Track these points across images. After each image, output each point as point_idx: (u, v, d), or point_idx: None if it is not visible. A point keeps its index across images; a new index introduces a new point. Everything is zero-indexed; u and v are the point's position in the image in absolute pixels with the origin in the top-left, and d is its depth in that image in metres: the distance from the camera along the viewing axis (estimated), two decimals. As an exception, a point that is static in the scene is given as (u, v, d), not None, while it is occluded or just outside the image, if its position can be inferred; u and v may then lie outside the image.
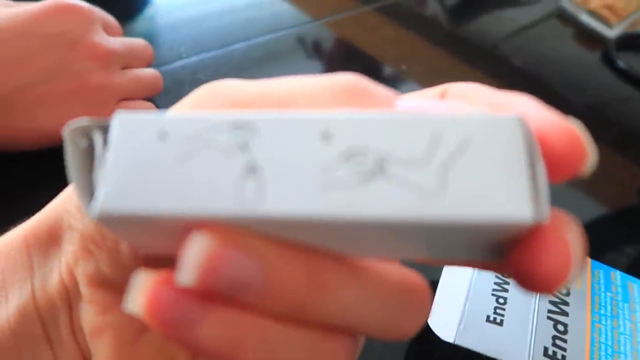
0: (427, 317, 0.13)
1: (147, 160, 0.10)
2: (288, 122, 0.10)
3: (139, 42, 0.33)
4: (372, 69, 0.46)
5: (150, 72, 0.32)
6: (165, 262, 0.13)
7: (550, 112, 0.12)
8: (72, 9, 0.28)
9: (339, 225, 0.10)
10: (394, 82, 0.46)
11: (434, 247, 0.11)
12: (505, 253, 0.11)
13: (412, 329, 0.13)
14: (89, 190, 0.11)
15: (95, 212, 0.10)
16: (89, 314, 0.14)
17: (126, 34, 0.34)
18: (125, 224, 0.10)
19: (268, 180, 0.10)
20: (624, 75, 0.50)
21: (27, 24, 0.26)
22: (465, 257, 0.12)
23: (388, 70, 0.47)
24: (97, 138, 0.11)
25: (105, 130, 0.11)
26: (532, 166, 0.10)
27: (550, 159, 0.10)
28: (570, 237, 0.10)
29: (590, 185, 0.40)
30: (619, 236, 0.37)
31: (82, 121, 0.11)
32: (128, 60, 0.31)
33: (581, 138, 0.11)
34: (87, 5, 0.29)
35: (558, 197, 0.40)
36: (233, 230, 0.10)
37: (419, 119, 0.10)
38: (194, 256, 0.10)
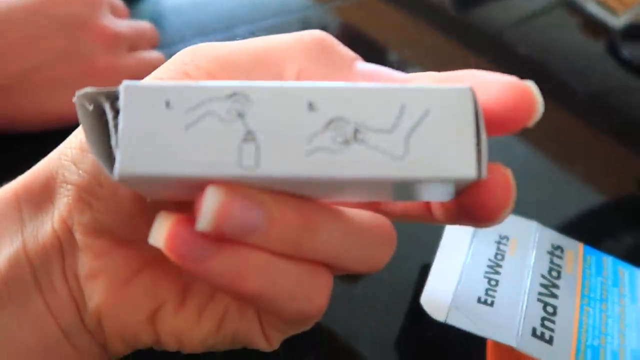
0: (392, 253, 0.16)
1: (157, 127, 0.12)
2: (279, 93, 0.12)
3: (144, 24, 0.33)
4: (376, 54, 0.46)
5: (155, 54, 0.33)
6: (167, 205, 0.14)
7: (501, 75, 0.14)
8: None
9: (322, 182, 0.12)
10: (398, 68, 0.46)
11: (399, 194, 0.14)
12: (457, 194, 0.14)
13: (381, 262, 0.15)
14: (104, 153, 0.12)
15: (115, 174, 0.11)
16: (84, 260, 0.15)
17: (132, 16, 0.34)
18: (142, 181, 0.12)
19: (264, 146, 0.12)
20: (628, 65, 0.50)
21: (38, 5, 0.27)
22: (424, 199, 0.15)
23: (393, 56, 0.47)
24: (106, 105, 0.12)
25: (111, 98, 0.12)
26: (478, 133, 0.12)
27: (499, 115, 0.13)
28: (511, 177, 0.13)
29: (590, 173, 0.40)
30: (616, 225, 0.37)
31: (89, 89, 0.12)
32: (134, 43, 0.32)
33: (528, 96, 0.13)
34: (94, -13, 0.29)
35: (558, 184, 0.40)
36: (239, 185, 0.12)
37: (389, 91, 0.12)
38: (209, 207, 0.12)
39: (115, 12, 0.32)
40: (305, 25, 0.47)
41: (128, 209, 0.15)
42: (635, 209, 0.39)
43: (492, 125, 0.13)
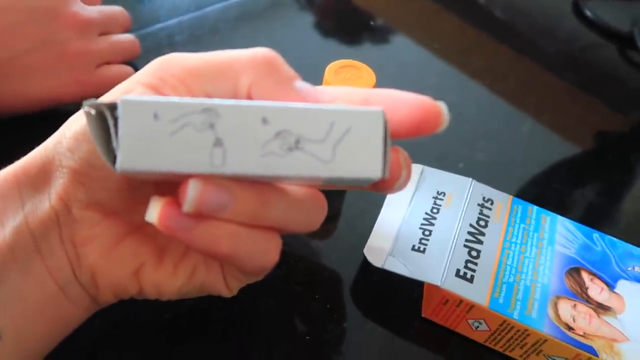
0: (324, 216, 0.20)
1: (148, 133, 0.15)
2: (241, 109, 0.16)
3: (115, 9, 0.35)
4: (360, 17, 0.48)
5: (127, 37, 0.35)
6: (149, 184, 0.19)
7: (414, 95, 0.18)
8: None
9: (272, 177, 0.16)
10: (381, 33, 0.49)
11: (330, 183, 0.18)
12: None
13: (317, 223, 0.20)
14: (105, 148, 0.16)
15: (117, 168, 0.15)
16: (80, 229, 0.19)
17: (108, 1, 0.37)
18: (136, 173, 0.16)
19: (229, 150, 0.15)
20: (590, 23, 0.51)
21: None
22: (346, 185, 0.20)
23: (377, 22, 0.49)
24: (107, 113, 0.15)
25: (111, 108, 0.16)
26: (385, 145, 0.16)
27: (408, 126, 0.18)
28: (402, 157, 0.18)
29: (549, 123, 0.42)
30: (565, 178, 0.40)
31: (94, 100, 0.16)
32: (106, 27, 0.34)
33: (434, 114, 0.18)
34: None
35: (521, 138, 0.42)
36: (211, 176, 0.16)
37: (323, 111, 0.16)
38: (191, 195, 0.16)
39: (87, 0, 0.34)
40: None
41: (116, 187, 0.19)
42: (588, 163, 0.41)
43: (403, 133, 0.18)
